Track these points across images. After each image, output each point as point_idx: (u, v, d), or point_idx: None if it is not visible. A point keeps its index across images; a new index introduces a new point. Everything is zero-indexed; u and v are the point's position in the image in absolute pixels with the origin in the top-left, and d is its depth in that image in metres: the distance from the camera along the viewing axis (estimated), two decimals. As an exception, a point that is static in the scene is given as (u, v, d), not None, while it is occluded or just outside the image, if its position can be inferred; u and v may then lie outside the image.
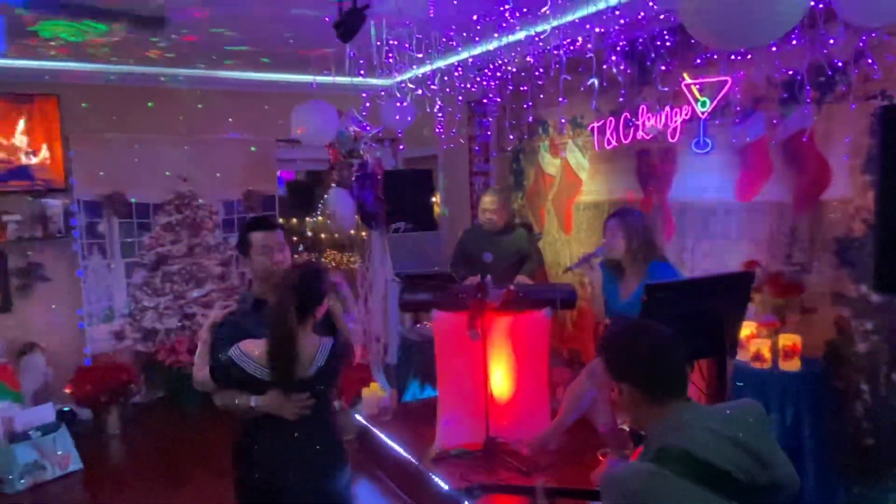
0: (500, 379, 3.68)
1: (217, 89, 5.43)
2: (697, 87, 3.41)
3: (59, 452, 4.08)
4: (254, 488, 2.12)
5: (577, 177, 4.45)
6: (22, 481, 3.88)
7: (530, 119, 4.61)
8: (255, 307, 2.25)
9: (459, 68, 4.12)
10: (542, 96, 4.14)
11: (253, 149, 5.68)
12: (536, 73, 4.07)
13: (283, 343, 2.06)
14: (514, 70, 4.28)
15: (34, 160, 4.81)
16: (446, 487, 3.21)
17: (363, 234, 5.44)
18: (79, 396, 4.72)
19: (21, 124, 4.74)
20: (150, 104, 5.27)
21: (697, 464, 1.37)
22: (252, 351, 2.09)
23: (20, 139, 4.76)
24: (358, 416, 4.26)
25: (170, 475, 4.10)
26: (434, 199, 5.55)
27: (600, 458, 3.23)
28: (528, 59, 4.02)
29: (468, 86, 4.25)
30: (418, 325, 5.04)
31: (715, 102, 3.36)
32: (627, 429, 3.11)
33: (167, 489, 3.91)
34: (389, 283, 5.17)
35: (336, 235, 5.78)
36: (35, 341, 4.85)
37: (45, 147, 4.83)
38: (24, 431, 4.03)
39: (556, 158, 4.61)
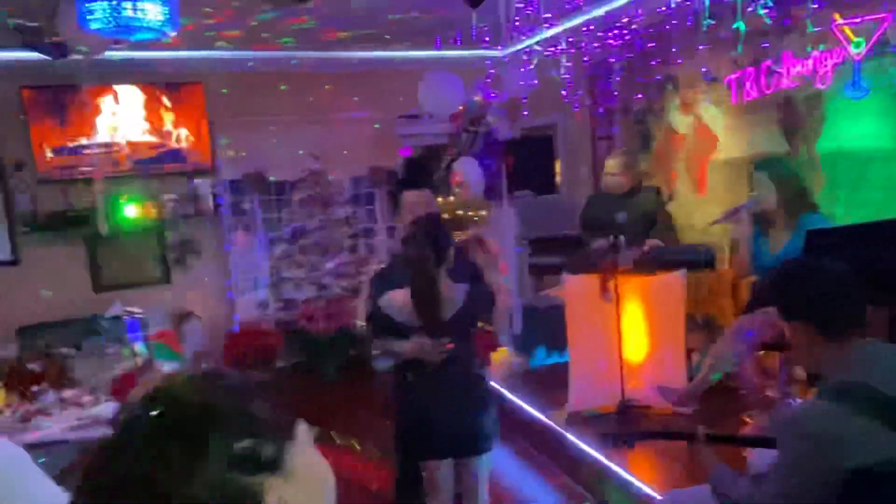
0: (634, 342, 3.63)
1: (342, 71, 5.66)
2: (850, 26, 3.15)
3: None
4: (409, 428, 2.26)
5: (711, 134, 4.25)
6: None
7: (658, 77, 4.44)
8: (404, 261, 2.39)
9: (586, 28, 4.04)
10: (673, 50, 3.98)
11: (376, 126, 5.87)
12: (666, 27, 3.91)
13: (424, 286, 2.18)
14: (642, 27, 4.14)
15: (185, 144, 5.25)
16: (583, 445, 3.23)
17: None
18: (230, 359, 5.15)
19: (172, 111, 5.17)
20: (282, 87, 5.58)
21: (881, 400, 1.30)
22: (397, 298, 2.24)
23: (171, 125, 5.20)
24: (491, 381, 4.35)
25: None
26: (556, 166, 5.51)
27: (746, 420, 3.12)
28: (659, 11, 3.87)
29: (593, 46, 4.16)
30: (542, 293, 5.05)
31: (871, 42, 3.09)
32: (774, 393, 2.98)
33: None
34: (513, 252, 5.20)
35: (458, 212, 5.87)
36: (192, 310, 5.33)
37: (193, 131, 5.26)
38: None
39: (688, 116, 4.42)
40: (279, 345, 5.32)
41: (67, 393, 3.66)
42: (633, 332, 3.60)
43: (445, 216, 6.78)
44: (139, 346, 1.56)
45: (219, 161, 5.36)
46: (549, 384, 4.04)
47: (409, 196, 2.52)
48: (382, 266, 2.52)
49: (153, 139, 5.12)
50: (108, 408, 3.58)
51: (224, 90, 5.35)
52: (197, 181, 5.30)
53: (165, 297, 5.25)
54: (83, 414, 3.48)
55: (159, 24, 2.23)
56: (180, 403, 0.71)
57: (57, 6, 3.27)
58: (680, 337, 3.59)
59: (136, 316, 1.54)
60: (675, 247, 3.94)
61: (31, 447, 2.13)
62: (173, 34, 2.38)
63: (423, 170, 7.59)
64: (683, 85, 4.42)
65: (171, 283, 5.35)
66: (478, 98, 4.39)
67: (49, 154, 4.84)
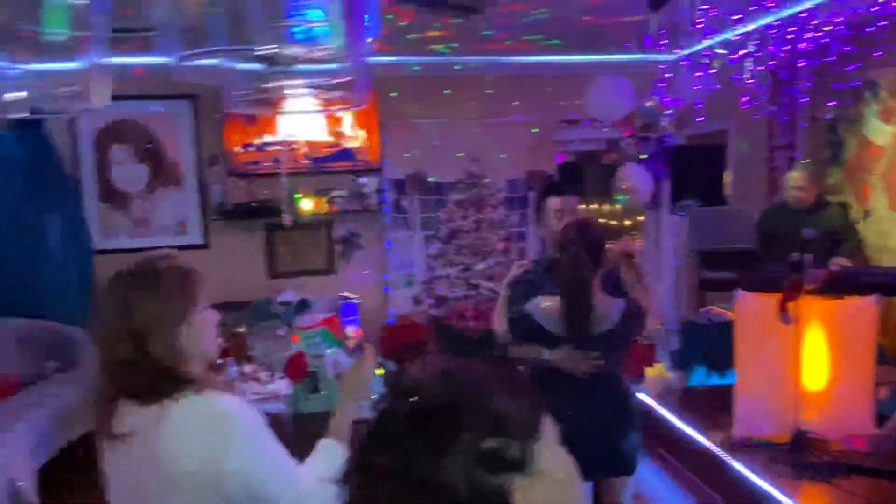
0: (814, 370, 3.34)
1: (504, 74, 5.73)
2: None
3: (374, 396, 4.70)
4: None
5: (917, 146, 3.81)
6: (345, 416, 4.56)
7: (856, 83, 4.05)
8: (549, 267, 2.36)
9: (775, 29, 3.78)
10: (876, 55, 3.61)
11: (534, 130, 5.89)
12: (867, 30, 3.56)
13: (578, 296, 2.12)
14: (839, 28, 3.79)
15: (356, 144, 5.57)
16: (750, 473, 3.03)
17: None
18: (385, 350, 5.39)
19: (348, 113, 5.50)
20: (446, 91, 5.75)
21: None
22: (547, 305, 2.20)
23: (346, 126, 5.54)
24: (643, 396, 4.20)
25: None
26: (725, 175, 5.21)
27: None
28: (859, 12, 3.53)
29: (782, 49, 3.88)
30: (705, 309, 4.79)
31: None
32: None
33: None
34: (672, 264, 4.99)
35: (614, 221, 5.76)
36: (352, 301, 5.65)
37: (365, 132, 5.56)
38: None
39: (889, 125, 3.99)
40: (430, 340, 5.48)
41: (247, 368, 4.02)
42: (813, 358, 3.31)
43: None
44: (351, 329, 1.67)
45: (385, 161, 5.62)
46: (708, 406, 3.83)
47: (553, 202, 2.47)
48: (523, 270, 2.46)
49: (329, 139, 5.48)
50: (281, 385, 3.89)
51: (393, 93, 5.61)
52: (364, 179, 5.60)
53: (329, 286, 5.60)
54: (261, 389, 3.81)
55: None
56: (428, 397, 0.74)
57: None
58: (868, 368, 3.25)
59: (353, 300, 1.64)
60: (872, 268, 3.57)
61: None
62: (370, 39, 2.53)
63: (573, 176, 7.51)
64: (886, 92, 3.99)
65: (335, 274, 5.69)
66: (651, 103, 4.25)
67: (239, 150, 5.34)
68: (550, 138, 5.95)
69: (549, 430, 0.76)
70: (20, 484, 2.99)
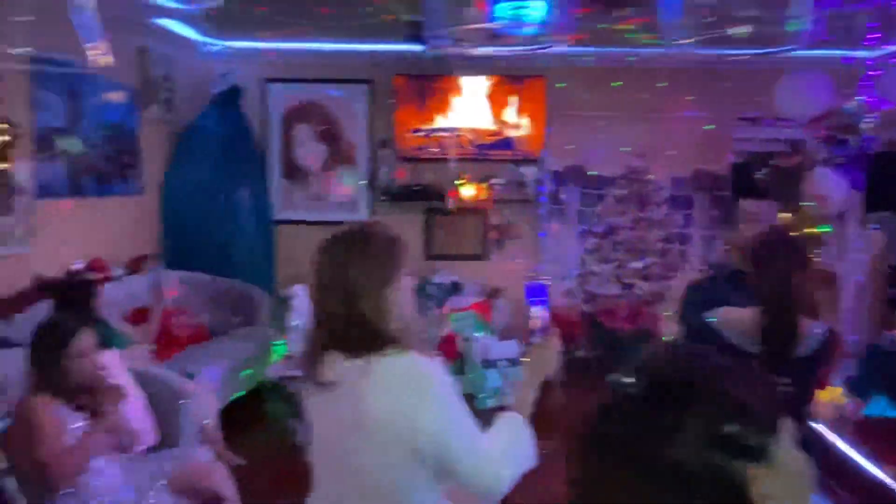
0: None
1: (679, 67, 5.48)
2: None
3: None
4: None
5: None
6: (488, 401, 4.63)
7: None
8: (733, 276, 2.21)
9: None
10: None
11: (709, 127, 5.58)
12: None
13: (782, 313, 1.97)
14: None
15: (517, 133, 5.60)
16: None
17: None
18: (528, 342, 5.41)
19: (513, 102, 5.55)
20: (616, 83, 5.60)
21: None
22: (737, 318, 2.04)
23: (510, 115, 5.58)
24: (813, 423, 3.88)
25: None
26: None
27: None
28: None
29: None
30: (892, 332, 4.31)
31: None
32: None
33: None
34: (856, 280, 4.53)
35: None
36: (501, 287, 5.71)
37: (528, 122, 5.58)
38: (495, 360, 4.78)
39: None
40: (580, 335, 5.43)
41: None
42: None
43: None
44: (538, 310, 1.71)
45: (545, 152, 5.61)
46: (887, 438, 3.47)
47: (750, 205, 2.31)
48: (702, 277, 2.33)
49: (492, 127, 5.56)
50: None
51: (561, 84, 5.57)
52: (523, 169, 5.63)
53: (481, 272, 5.71)
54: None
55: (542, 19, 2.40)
56: (667, 375, 0.75)
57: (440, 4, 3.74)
58: None
59: (544, 282, 1.68)
60: None
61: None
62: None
63: (745, 178, 7.02)
64: None
65: (488, 261, 5.79)
66: (853, 103, 3.87)
67: (408, 134, 5.57)
68: (724, 136, 5.61)
69: (788, 428, 0.74)
70: (206, 422, 3.35)
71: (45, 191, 3.80)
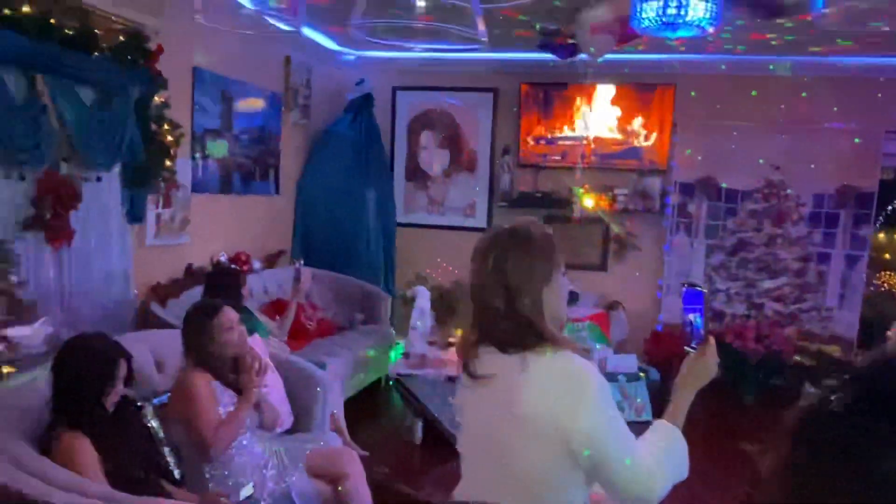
0: None
1: (823, 76, 5.14)
2: None
3: (638, 400, 4.60)
4: None
5: None
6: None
7: None
8: None
9: None
10: None
11: (857, 140, 5.19)
12: None
13: None
14: None
15: (645, 143, 5.47)
16: None
17: None
18: (651, 357, 5.24)
19: (641, 110, 5.43)
20: (753, 93, 5.34)
21: None
22: None
23: (637, 124, 5.46)
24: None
25: (723, 450, 4.16)
26: None
27: None
28: None
29: None
30: None
31: None
32: None
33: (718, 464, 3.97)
34: None
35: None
36: (619, 300, 5.58)
37: (655, 132, 5.43)
38: (613, 373, 4.67)
39: None
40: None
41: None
42: None
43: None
44: (693, 317, 1.66)
45: (673, 162, 5.43)
46: None
47: None
48: None
49: (618, 136, 5.46)
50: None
51: (693, 93, 5.38)
52: (648, 179, 5.48)
53: (599, 283, 5.60)
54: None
55: (703, 21, 2.33)
56: (883, 384, 0.71)
57: (579, 10, 3.72)
58: None
59: (698, 288, 1.63)
60: None
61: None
62: (711, 30, 2.46)
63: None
64: None
65: (606, 272, 5.67)
66: None
67: (531, 142, 5.58)
68: (875, 150, 5.20)
69: None
70: (334, 411, 3.51)
71: (199, 187, 4.14)
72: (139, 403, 2.42)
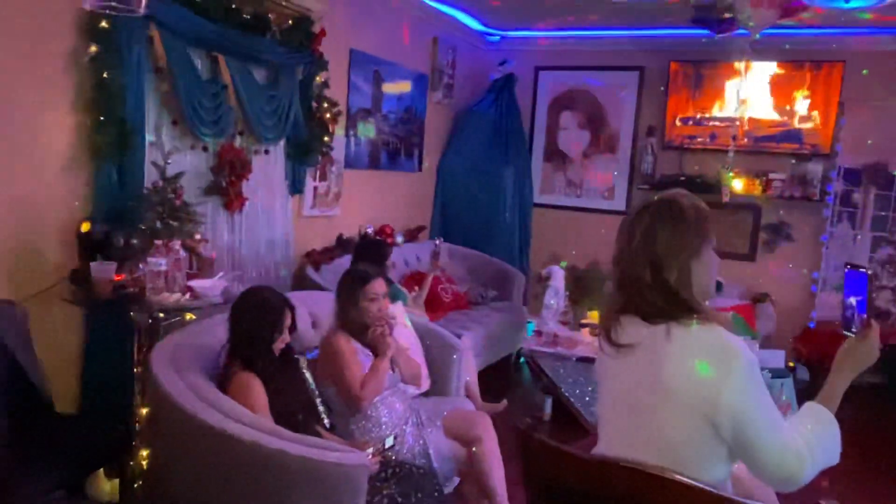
0: None
1: None
2: None
3: (784, 398, 4.33)
4: None
5: None
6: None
7: None
8: None
9: None
10: None
11: None
12: None
13: None
14: None
15: (806, 125, 5.07)
16: None
17: None
18: (801, 355, 4.90)
19: (803, 90, 5.03)
20: (938, 70, 4.78)
21: None
22: None
23: (799, 104, 5.07)
24: None
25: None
26: None
27: None
28: None
29: None
30: None
31: None
32: None
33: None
34: None
35: None
36: (767, 292, 5.25)
37: (818, 113, 5.02)
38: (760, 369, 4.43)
39: None
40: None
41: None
42: None
43: None
44: (854, 300, 1.59)
45: (838, 146, 5.00)
46: None
47: None
48: None
49: (776, 117, 5.11)
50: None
51: (865, 71, 4.90)
52: (808, 164, 5.09)
53: (746, 273, 5.31)
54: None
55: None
56: None
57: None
58: None
59: (862, 270, 1.55)
60: None
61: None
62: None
63: None
64: None
65: (754, 262, 5.36)
66: None
67: (677, 123, 5.37)
68: None
69: None
70: (467, 379, 3.64)
71: (350, 162, 4.42)
72: (296, 355, 2.67)
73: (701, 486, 1.24)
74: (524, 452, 1.41)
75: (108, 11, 2.15)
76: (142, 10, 1.89)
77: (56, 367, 2.64)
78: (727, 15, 3.89)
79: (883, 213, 4.99)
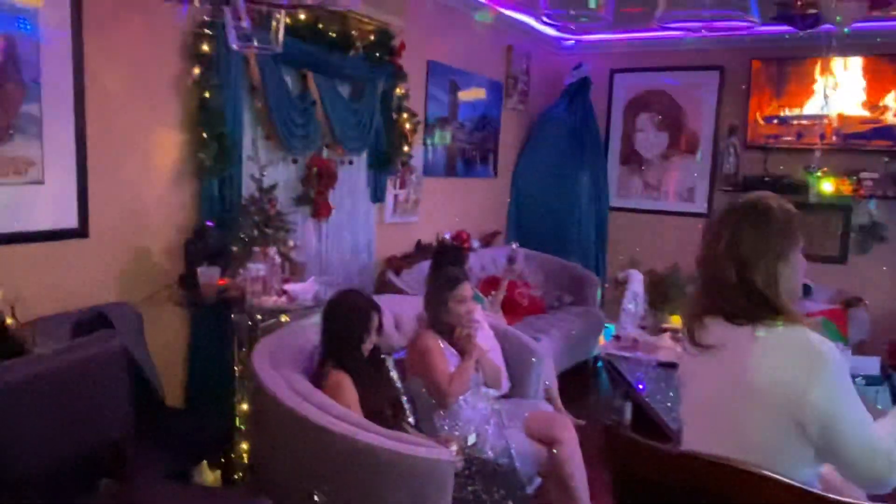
0: None
1: None
2: None
3: (879, 407, 4.13)
4: None
5: None
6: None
7: None
8: None
9: None
10: None
11: None
12: None
13: None
14: None
15: (900, 121, 4.83)
16: None
17: None
18: (892, 360, 4.66)
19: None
20: None
21: None
22: None
23: (891, 100, 4.84)
24: None
25: None
26: None
27: None
28: None
29: None
30: None
31: None
32: None
33: None
34: None
35: None
36: (860, 296, 5.01)
37: (913, 108, 4.77)
38: (852, 375, 4.23)
39: None
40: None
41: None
42: None
43: None
44: None
45: (936, 142, 4.74)
46: None
47: None
48: None
49: (866, 114, 4.89)
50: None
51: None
52: (910, 162, 4.85)
53: (836, 276, 5.09)
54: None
55: None
56: None
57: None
58: None
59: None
60: None
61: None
62: None
63: None
64: None
65: (845, 264, 5.14)
66: None
67: (760, 122, 5.23)
68: None
69: None
70: (547, 383, 3.68)
71: (428, 170, 4.55)
72: (382, 355, 2.80)
73: (791, 482, 1.26)
74: (610, 450, 1.45)
75: (254, 51, 2.34)
76: (279, 48, 2.07)
77: (165, 365, 2.87)
78: (811, 10, 3.78)
79: None
